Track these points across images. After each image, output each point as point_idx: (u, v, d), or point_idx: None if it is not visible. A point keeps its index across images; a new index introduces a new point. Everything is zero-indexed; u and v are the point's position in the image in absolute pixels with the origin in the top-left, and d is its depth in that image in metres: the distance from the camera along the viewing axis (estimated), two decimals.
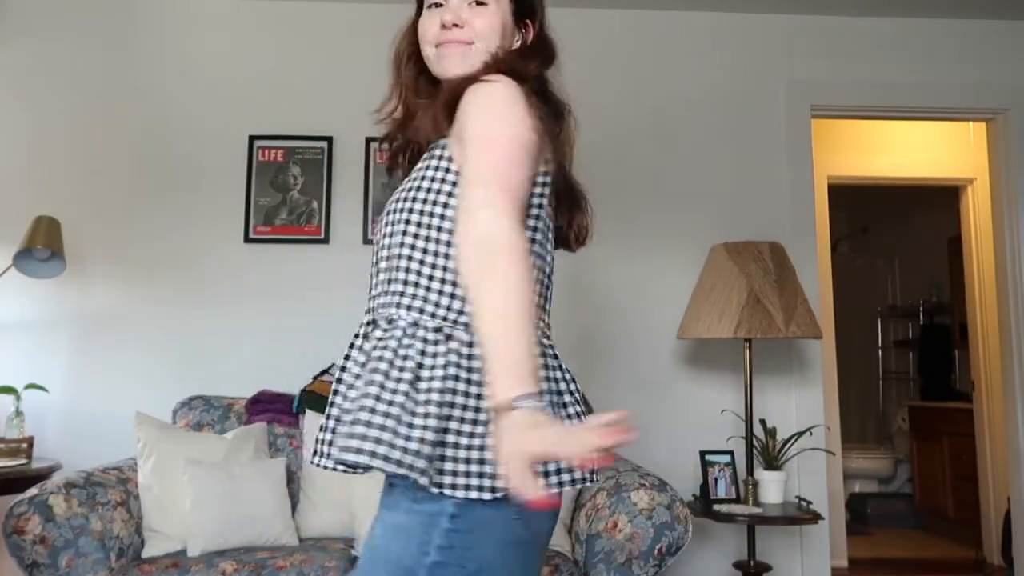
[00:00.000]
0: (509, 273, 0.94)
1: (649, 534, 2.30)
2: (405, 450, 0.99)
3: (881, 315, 6.70)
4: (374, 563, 1.06)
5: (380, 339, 1.09)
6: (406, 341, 1.06)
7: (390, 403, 1.02)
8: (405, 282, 1.11)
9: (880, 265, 6.72)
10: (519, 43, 1.26)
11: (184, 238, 3.29)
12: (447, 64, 1.20)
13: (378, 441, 0.99)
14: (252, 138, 3.33)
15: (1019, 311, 3.50)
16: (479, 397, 1.03)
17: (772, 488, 2.90)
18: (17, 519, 2.19)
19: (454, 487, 1.01)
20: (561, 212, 1.27)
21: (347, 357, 1.14)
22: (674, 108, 3.46)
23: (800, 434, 3.00)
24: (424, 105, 1.23)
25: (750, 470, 2.90)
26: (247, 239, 3.29)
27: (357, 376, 1.10)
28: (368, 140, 3.31)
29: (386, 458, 0.99)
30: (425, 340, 1.05)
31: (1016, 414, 3.49)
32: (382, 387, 1.03)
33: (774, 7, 3.49)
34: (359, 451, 1.00)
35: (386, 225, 1.17)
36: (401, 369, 1.04)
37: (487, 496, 1.01)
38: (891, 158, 4.59)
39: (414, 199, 1.13)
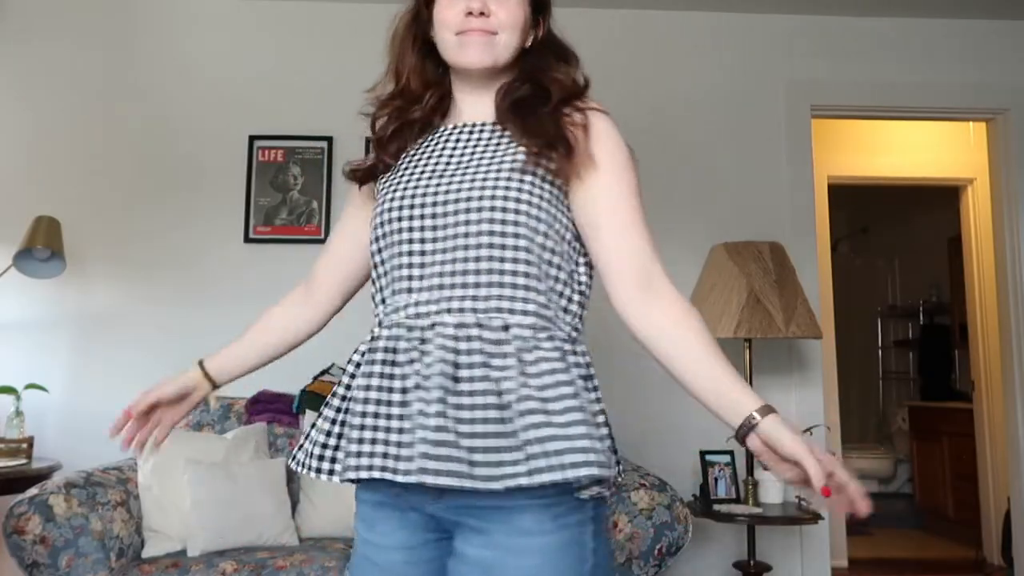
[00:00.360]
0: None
1: (649, 534, 2.30)
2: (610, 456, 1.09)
3: (881, 315, 6.70)
4: None
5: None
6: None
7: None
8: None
9: (880, 265, 6.72)
10: (531, 39, 1.25)
11: (184, 238, 3.29)
12: (470, 52, 1.17)
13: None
14: (252, 138, 3.33)
15: (1019, 311, 3.50)
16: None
17: (772, 488, 2.90)
18: (17, 519, 2.19)
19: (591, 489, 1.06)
20: None
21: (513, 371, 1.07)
22: (674, 108, 3.46)
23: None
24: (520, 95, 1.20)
25: (750, 470, 2.90)
26: (247, 239, 3.29)
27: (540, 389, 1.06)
28: (368, 140, 3.31)
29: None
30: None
31: (1016, 414, 3.49)
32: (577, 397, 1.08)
33: (774, 7, 3.49)
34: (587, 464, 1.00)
35: (490, 220, 1.10)
36: (585, 378, 1.15)
37: (607, 493, 1.09)
38: (891, 158, 4.59)
39: (537, 207, 1.12)
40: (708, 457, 2.99)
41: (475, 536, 1.04)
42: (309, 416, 2.81)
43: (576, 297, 1.20)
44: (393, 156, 1.24)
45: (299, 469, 1.17)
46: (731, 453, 3.01)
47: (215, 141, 3.35)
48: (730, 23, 3.52)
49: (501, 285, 1.09)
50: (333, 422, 1.14)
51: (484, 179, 1.12)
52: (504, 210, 1.09)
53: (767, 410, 1.05)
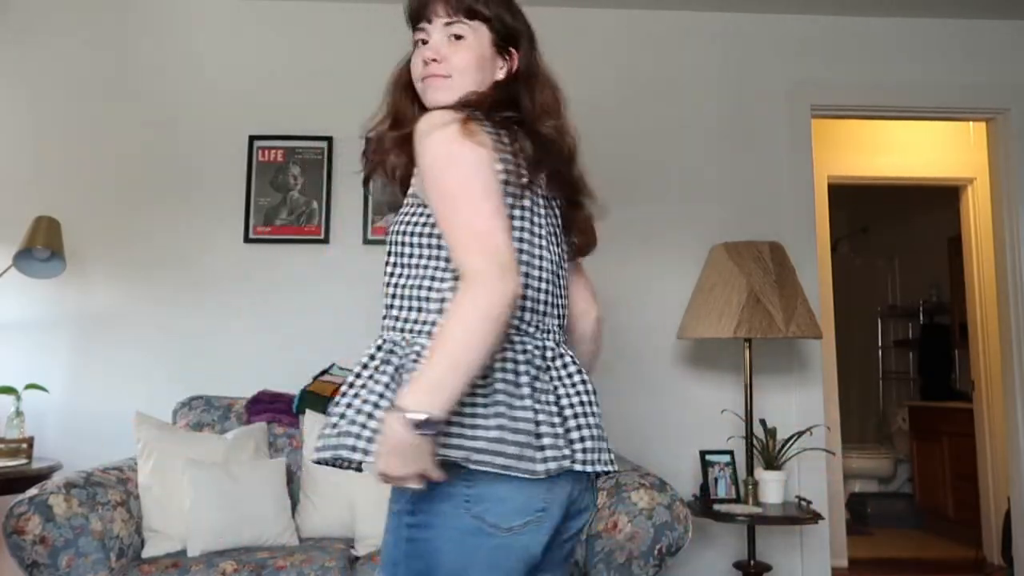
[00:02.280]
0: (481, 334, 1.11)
1: (649, 534, 2.30)
2: None
3: (881, 315, 6.70)
4: None
5: None
6: None
7: None
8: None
9: (880, 265, 6.72)
10: (504, 71, 1.35)
11: (184, 238, 3.29)
12: (432, 96, 1.31)
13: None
14: (252, 138, 3.33)
15: (1019, 311, 3.50)
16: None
17: (772, 488, 2.90)
18: (17, 519, 2.19)
19: None
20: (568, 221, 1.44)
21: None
22: (675, 108, 3.46)
23: (800, 434, 3.00)
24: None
25: (750, 470, 2.90)
26: (247, 239, 3.29)
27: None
28: (367, 140, 3.30)
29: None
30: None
31: (1016, 414, 3.49)
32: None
33: (775, 7, 3.49)
34: None
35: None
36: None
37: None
38: (891, 158, 4.59)
39: (406, 232, 1.29)
40: (708, 457, 2.99)
41: None
42: (309, 416, 2.80)
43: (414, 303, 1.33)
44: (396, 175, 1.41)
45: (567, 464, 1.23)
46: (731, 453, 3.01)
47: (215, 141, 3.35)
48: (731, 23, 3.52)
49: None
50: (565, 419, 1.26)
51: None
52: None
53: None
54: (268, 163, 3.33)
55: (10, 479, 2.60)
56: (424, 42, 1.33)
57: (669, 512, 2.33)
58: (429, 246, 1.26)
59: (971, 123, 4.36)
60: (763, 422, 3.03)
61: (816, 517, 2.77)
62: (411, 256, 1.27)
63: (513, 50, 1.35)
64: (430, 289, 1.24)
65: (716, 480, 2.96)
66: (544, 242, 1.30)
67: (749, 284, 2.86)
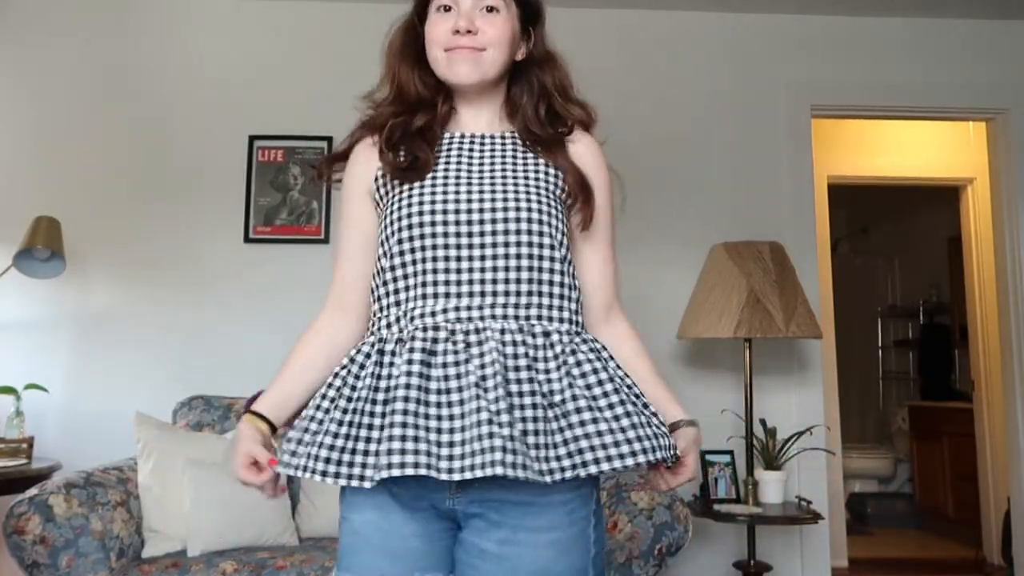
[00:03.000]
0: None
1: (649, 534, 2.30)
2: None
3: (881, 315, 6.70)
4: None
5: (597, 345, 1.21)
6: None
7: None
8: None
9: (880, 265, 6.72)
10: (523, 52, 1.29)
11: (184, 238, 3.29)
12: (458, 70, 1.22)
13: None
14: (252, 138, 3.33)
15: (1019, 311, 3.50)
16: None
17: (772, 488, 2.90)
18: (17, 519, 2.19)
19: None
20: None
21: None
22: (674, 108, 3.46)
23: (800, 434, 3.00)
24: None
25: (750, 470, 2.90)
26: (247, 239, 3.29)
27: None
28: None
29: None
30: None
31: (1016, 414, 3.49)
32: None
33: (774, 7, 3.49)
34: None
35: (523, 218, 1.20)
36: (617, 366, 1.22)
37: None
38: (891, 158, 4.59)
39: (548, 205, 1.21)
40: (708, 457, 2.99)
41: (492, 530, 1.11)
42: None
43: (580, 298, 1.27)
44: (406, 162, 1.24)
45: (303, 474, 1.10)
46: (731, 453, 3.01)
47: (215, 141, 3.35)
48: (730, 23, 3.52)
49: (540, 294, 1.17)
50: (341, 423, 1.11)
51: (517, 193, 1.19)
52: (540, 222, 1.18)
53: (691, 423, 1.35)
54: (268, 163, 3.33)
55: (10, 479, 2.60)
56: (447, 8, 1.23)
57: (669, 512, 2.33)
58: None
59: (971, 123, 4.36)
60: (763, 422, 3.03)
61: (816, 517, 2.77)
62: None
63: (532, 28, 1.31)
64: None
65: (716, 480, 2.96)
66: None
67: (749, 284, 2.86)
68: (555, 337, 1.15)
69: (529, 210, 1.18)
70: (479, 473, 1.01)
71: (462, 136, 1.28)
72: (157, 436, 2.59)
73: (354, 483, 1.06)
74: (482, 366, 1.10)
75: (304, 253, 3.30)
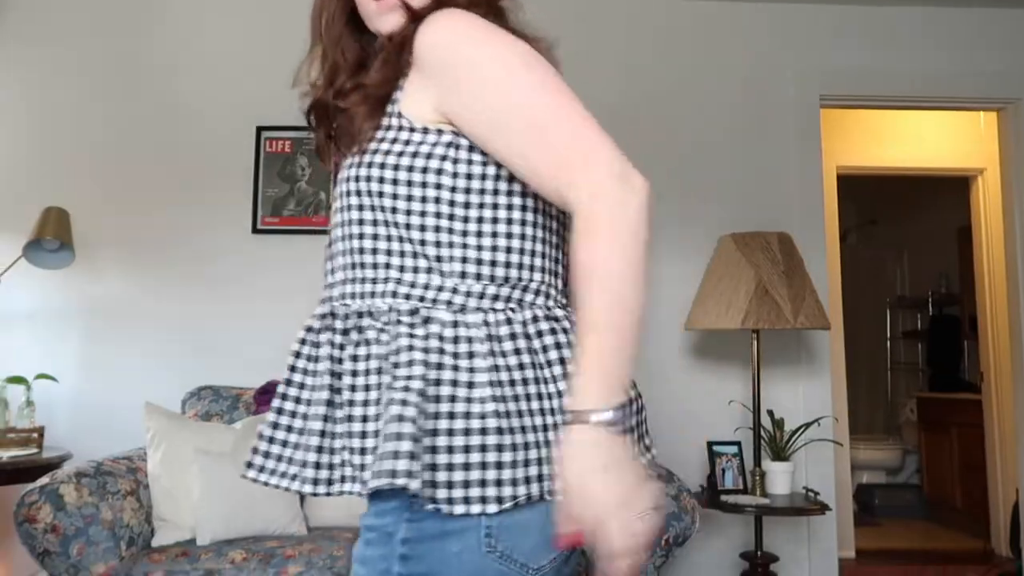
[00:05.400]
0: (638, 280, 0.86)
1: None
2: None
3: (890, 306, 6.67)
4: None
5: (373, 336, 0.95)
6: (392, 330, 0.93)
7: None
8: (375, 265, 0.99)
9: (889, 256, 6.70)
10: None
11: (193, 229, 3.30)
12: (389, 18, 1.02)
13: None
14: (260, 129, 3.34)
15: None
16: (471, 386, 0.89)
17: (780, 479, 2.90)
18: (28, 508, 2.21)
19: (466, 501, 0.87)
20: None
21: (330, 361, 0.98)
22: (682, 98, 3.45)
23: (808, 425, 3.00)
24: (375, 58, 1.04)
25: (758, 461, 2.90)
26: (255, 230, 3.29)
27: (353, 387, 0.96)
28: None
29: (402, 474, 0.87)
30: (411, 325, 0.92)
31: None
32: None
33: None
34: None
35: (340, 208, 1.02)
36: (398, 365, 0.91)
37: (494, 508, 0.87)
38: (901, 148, 4.57)
39: (369, 166, 0.97)
40: (715, 448, 2.99)
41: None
42: None
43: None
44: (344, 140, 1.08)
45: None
46: (738, 444, 3.01)
47: (223, 132, 3.35)
48: (739, 12, 3.50)
49: (354, 266, 1.00)
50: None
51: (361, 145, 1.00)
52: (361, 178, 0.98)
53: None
54: (276, 154, 3.34)
55: (21, 468, 2.62)
56: None
57: (676, 503, 2.33)
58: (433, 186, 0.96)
59: (981, 113, 4.33)
60: (771, 413, 3.03)
61: (823, 508, 2.77)
62: (405, 209, 0.96)
63: None
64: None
65: (723, 471, 2.96)
66: None
67: (757, 275, 2.86)
68: (368, 321, 0.97)
69: (360, 164, 0.99)
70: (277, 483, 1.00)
71: None
72: (167, 426, 2.61)
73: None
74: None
75: (312, 243, 3.31)
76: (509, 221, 0.97)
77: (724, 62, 3.48)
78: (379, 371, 0.93)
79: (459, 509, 0.86)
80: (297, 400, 1.00)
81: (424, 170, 0.95)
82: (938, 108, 3.79)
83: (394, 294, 0.96)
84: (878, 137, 4.55)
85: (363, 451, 0.93)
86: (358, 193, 0.98)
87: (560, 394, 0.91)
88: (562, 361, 0.93)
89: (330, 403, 0.96)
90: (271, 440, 1.00)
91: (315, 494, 0.95)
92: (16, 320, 3.20)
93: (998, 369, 4.45)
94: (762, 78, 3.47)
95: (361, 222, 0.99)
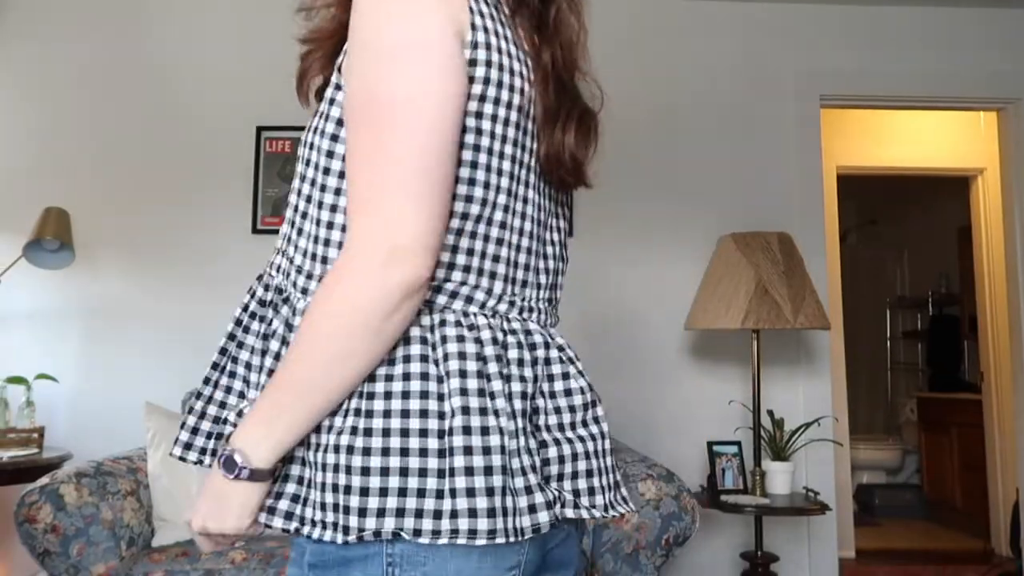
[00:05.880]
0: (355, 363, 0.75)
1: (656, 524, 2.30)
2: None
3: (890, 306, 6.68)
4: None
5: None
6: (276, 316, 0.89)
7: None
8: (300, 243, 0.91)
9: (889, 255, 6.70)
10: None
11: (192, 229, 3.30)
12: None
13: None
14: (260, 129, 3.34)
15: None
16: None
17: (780, 479, 2.90)
18: (29, 508, 2.21)
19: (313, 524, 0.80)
20: (545, 133, 0.89)
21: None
22: (682, 97, 3.45)
23: (808, 425, 3.00)
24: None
25: (758, 461, 2.90)
26: (255, 230, 3.29)
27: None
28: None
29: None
30: (292, 313, 0.87)
31: None
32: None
33: None
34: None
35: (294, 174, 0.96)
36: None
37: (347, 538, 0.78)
38: (901, 148, 4.57)
39: (308, 142, 0.89)
40: (716, 448, 2.99)
41: None
42: None
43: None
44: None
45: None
46: (738, 444, 3.01)
47: (223, 133, 3.35)
48: (740, 12, 3.50)
49: (287, 237, 0.91)
50: None
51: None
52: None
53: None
54: (276, 154, 3.34)
55: (21, 469, 2.62)
56: None
57: (676, 503, 2.34)
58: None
59: (982, 113, 4.34)
60: (771, 413, 3.03)
61: (823, 508, 2.77)
62: (320, 183, 0.86)
63: None
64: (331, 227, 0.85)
65: (723, 471, 2.96)
66: (533, 177, 0.89)
67: (757, 275, 2.86)
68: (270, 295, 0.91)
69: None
70: None
71: None
72: (167, 426, 2.61)
73: None
74: None
75: None
76: None
77: (724, 62, 3.48)
78: (263, 353, 0.87)
79: (331, 537, 0.77)
80: (212, 365, 0.93)
81: (334, 137, 0.83)
82: (938, 108, 3.79)
83: (298, 271, 0.87)
84: (878, 137, 4.55)
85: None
86: (304, 160, 0.88)
87: (457, 412, 0.77)
88: (463, 374, 0.79)
89: (217, 366, 0.91)
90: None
91: (182, 458, 0.89)
92: (16, 320, 3.21)
93: (998, 369, 4.45)
94: (762, 78, 3.47)
95: (299, 192, 0.88)
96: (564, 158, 0.90)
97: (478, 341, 0.81)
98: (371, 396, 0.78)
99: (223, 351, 0.90)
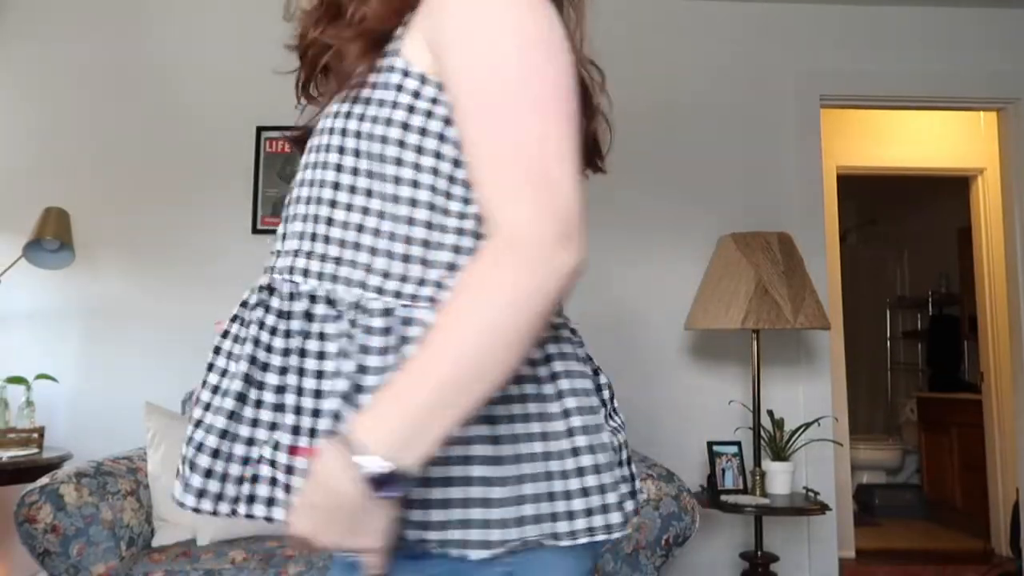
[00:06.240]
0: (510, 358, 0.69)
1: (656, 524, 2.30)
2: None
3: (890, 306, 6.68)
4: None
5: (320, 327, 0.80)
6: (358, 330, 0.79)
7: None
8: (342, 243, 0.81)
9: (889, 256, 6.70)
10: None
11: (192, 229, 3.30)
12: None
13: None
14: (260, 129, 3.34)
15: None
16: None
17: (780, 479, 2.90)
18: (29, 508, 2.21)
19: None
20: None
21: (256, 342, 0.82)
22: (683, 97, 3.45)
23: (808, 425, 3.00)
24: None
25: (757, 461, 2.90)
26: (255, 230, 3.29)
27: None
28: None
29: None
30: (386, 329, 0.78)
31: None
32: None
33: None
34: None
35: (312, 165, 0.86)
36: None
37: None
38: (901, 148, 4.57)
39: (356, 131, 0.82)
40: (716, 448, 2.99)
41: None
42: None
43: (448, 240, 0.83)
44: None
45: None
46: (739, 444, 3.01)
47: (223, 133, 3.35)
48: (740, 12, 3.50)
49: (314, 237, 0.83)
50: None
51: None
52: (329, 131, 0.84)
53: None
54: (276, 154, 3.34)
55: (21, 469, 2.62)
56: None
57: (676, 503, 2.34)
58: (430, 169, 0.81)
59: (982, 113, 4.33)
60: (771, 413, 3.03)
61: (823, 508, 2.77)
62: (393, 175, 0.80)
63: None
64: (440, 230, 0.81)
65: (723, 471, 2.96)
66: None
67: (757, 275, 2.86)
68: (299, 304, 0.81)
69: (329, 129, 0.86)
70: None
71: None
72: (167, 426, 2.61)
73: None
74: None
75: None
76: None
77: (724, 62, 3.48)
78: (318, 374, 0.78)
79: (476, 554, 0.73)
80: (215, 389, 0.82)
81: (422, 131, 0.79)
82: (938, 108, 3.79)
83: (363, 284, 0.79)
84: (878, 137, 4.55)
85: (291, 470, 0.77)
86: (340, 150, 0.81)
87: (573, 412, 0.79)
88: (568, 375, 0.80)
89: (242, 397, 0.79)
90: (188, 441, 0.82)
91: (196, 509, 0.78)
92: (16, 320, 3.20)
93: (998, 369, 4.45)
94: (762, 78, 3.47)
95: (337, 186, 0.81)
96: (589, 144, 0.92)
97: (571, 341, 0.82)
98: (491, 402, 0.72)
99: (247, 378, 0.79)
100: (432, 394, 0.67)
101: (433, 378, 0.67)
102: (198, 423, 0.80)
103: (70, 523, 2.22)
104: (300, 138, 0.98)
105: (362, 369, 0.75)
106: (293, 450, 0.76)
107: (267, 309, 0.81)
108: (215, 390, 0.81)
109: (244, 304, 0.86)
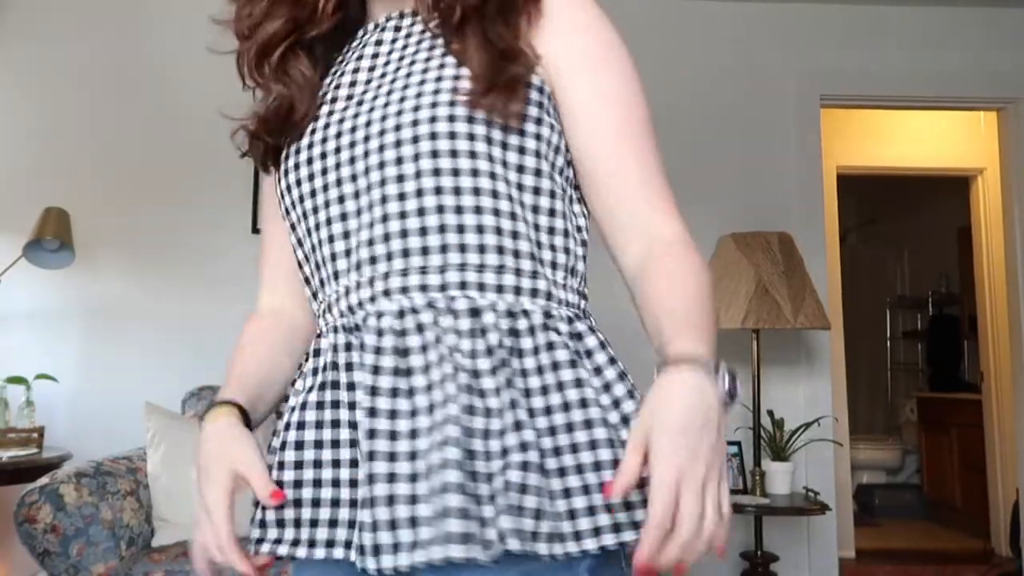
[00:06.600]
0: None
1: None
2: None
3: (890, 306, 6.68)
4: None
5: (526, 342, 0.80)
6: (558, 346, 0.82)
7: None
8: (517, 254, 0.81)
9: (889, 255, 6.70)
10: None
11: (192, 229, 3.30)
12: None
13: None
14: None
15: None
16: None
17: (779, 479, 2.90)
18: (28, 508, 2.21)
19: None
20: None
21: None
22: (683, 97, 3.45)
23: (808, 425, 3.00)
24: None
25: (757, 461, 2.90)
26: (255, 230, 3.29)
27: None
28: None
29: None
30: (577, 337, 0.84)
31: None
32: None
33: None
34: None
35: (412, 174, 0.79)
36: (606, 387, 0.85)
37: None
38: (901, 148, 4.57)
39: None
40: None
41: None
42: None
43: (580, 251, 0.93)
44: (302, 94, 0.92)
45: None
46: (738, 444, 3.01)
47: (223, 133, 3.34)
48: (740, 12, 3.50)
49: (461, 248, 0.78)
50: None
51: (420, 94, 0.80)
52: (452, 135, 0.78)
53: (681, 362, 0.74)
54: None
55: (21, 468, 2.62)
56: None
57: None
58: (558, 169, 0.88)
59: (982, 113, 4.33)
60: (770, 413, 3.03)
61: (823, 508, 2.77)
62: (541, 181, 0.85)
63: None
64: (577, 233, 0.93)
65: None
66: None
67: (757, 275, 2.86)
68: (488, 319, 0.77)
69: (434, 120, 0.80)
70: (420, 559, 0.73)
71: (363, 32, 0.94)
72: (167, 426, 2.61)
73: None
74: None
75: None
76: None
77: (724, 62, 3.48)
78: (570, 406, 0.79)
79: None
80: (393, 435, 0.74)
81: (540, 139, 0.86)
82: (938, 108, 3.79)
83: (533, 292, 0.81)
84: (878, 137, 4.55)
85: (568, 493, 0.74)
86: (471, 154, 0.80)
87: (624, 399, 0.84)
88: (612, 361, 0.89)
89: (469, 433, 0.72)
90: (506, 487, 0.72)
91: (552, 556, 0.72)
92: (16, 320, 3.20)
93: (998, 369, 4.45)
94: (762, 78, 3.47)
95: (477, 191, 0.78)
96: None
97: (602, 344, 0.88)
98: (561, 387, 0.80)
99: (491, 413, 0.74)
100: (712, 328, 0.79)
101: (709, 315, 0.79)
102: (489, 476, 0.73)
103: (70, 523, 2.22)
104: None
105: (597, 371, 0.82)
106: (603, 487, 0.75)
107: (482, 334, 0.77)
108: (486, 434, 0.74)
109: (351, 328, 0.81)
